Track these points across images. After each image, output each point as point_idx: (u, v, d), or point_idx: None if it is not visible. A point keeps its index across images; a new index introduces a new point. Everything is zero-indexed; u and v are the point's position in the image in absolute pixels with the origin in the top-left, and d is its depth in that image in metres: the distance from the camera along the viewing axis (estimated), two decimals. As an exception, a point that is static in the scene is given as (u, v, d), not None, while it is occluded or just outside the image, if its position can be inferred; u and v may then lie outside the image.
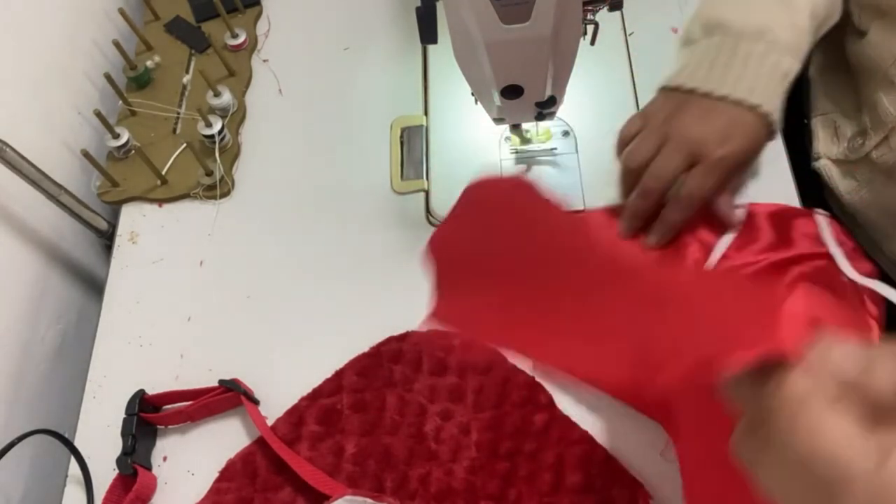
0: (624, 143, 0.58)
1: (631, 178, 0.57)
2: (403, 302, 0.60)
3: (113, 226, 0.70)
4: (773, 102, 0.54)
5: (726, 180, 0.56)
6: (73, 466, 0.57)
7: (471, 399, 0.56)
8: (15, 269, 0.65)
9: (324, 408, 0.57)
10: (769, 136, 0.56)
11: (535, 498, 0.53)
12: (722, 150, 0.54)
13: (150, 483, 0.56)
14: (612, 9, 0.51)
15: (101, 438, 0.58)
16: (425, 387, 0.57)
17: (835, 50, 0.69)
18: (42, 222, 0.68)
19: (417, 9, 0.49)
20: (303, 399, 0.58)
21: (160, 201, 0.70)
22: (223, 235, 0.67)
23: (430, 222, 0.66)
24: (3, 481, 0.61)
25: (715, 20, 0.57)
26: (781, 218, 0.59)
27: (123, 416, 0.57)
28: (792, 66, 0.55)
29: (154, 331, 0.63)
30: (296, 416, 0.57)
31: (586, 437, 0.55)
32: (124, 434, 0.56)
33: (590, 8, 0.51)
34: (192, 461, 0.57)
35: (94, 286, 0.75)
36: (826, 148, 0.68)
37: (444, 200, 0.66)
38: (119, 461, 0.55)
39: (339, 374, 0.59)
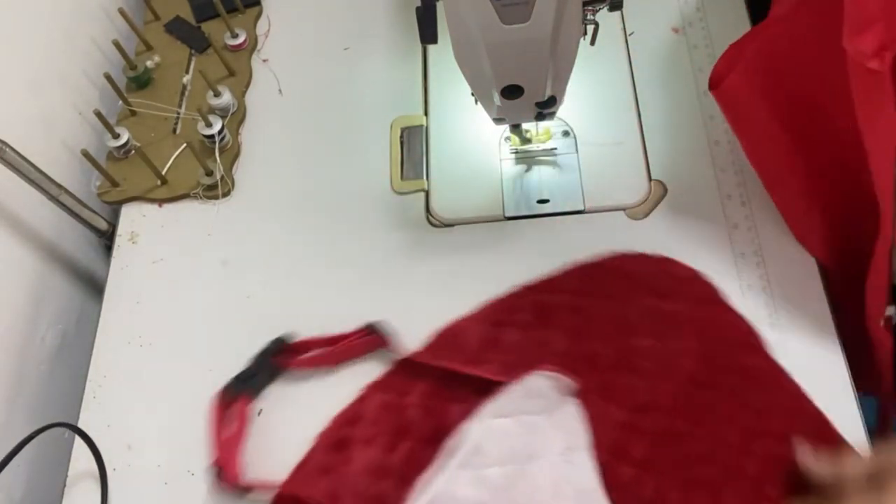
0: None
1: None
2: (402, 301, 0.60)
3: (113, 226, 0.70)
4: None
5: None
6: (75, 465, 0.57)
7: (687, 328, 0.55)
8: (15, 269, 0.65)
9: (540, 303, 0.57)
10: None
11: (737, 434, 0.52)
12: None
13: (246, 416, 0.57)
14: (612, 9, 0.51)
15: (100, 438, 0.58)
16: (643, 306, 0.56)
17: None
18: (42, 222, 0.68)
19: (417, 9, 0.49)
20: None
21: (160, 201, 0.70)
22: (223, 235, 0.67)
23: (430, 222, 0.66)
24: (5, 480, 0.61)
25: None
26: None
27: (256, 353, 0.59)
28: None
29: (154, 331, 0.63)
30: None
31: (797, 390, 0.53)
32: (248, 371, 0.58)
33: (590, 8, 0.51)
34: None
35: (94, 286, 0.75)
36: None
37: (444, 200, 0.66)
38: (232, 386, 0.57)
39: (566, 275, 0.58)
